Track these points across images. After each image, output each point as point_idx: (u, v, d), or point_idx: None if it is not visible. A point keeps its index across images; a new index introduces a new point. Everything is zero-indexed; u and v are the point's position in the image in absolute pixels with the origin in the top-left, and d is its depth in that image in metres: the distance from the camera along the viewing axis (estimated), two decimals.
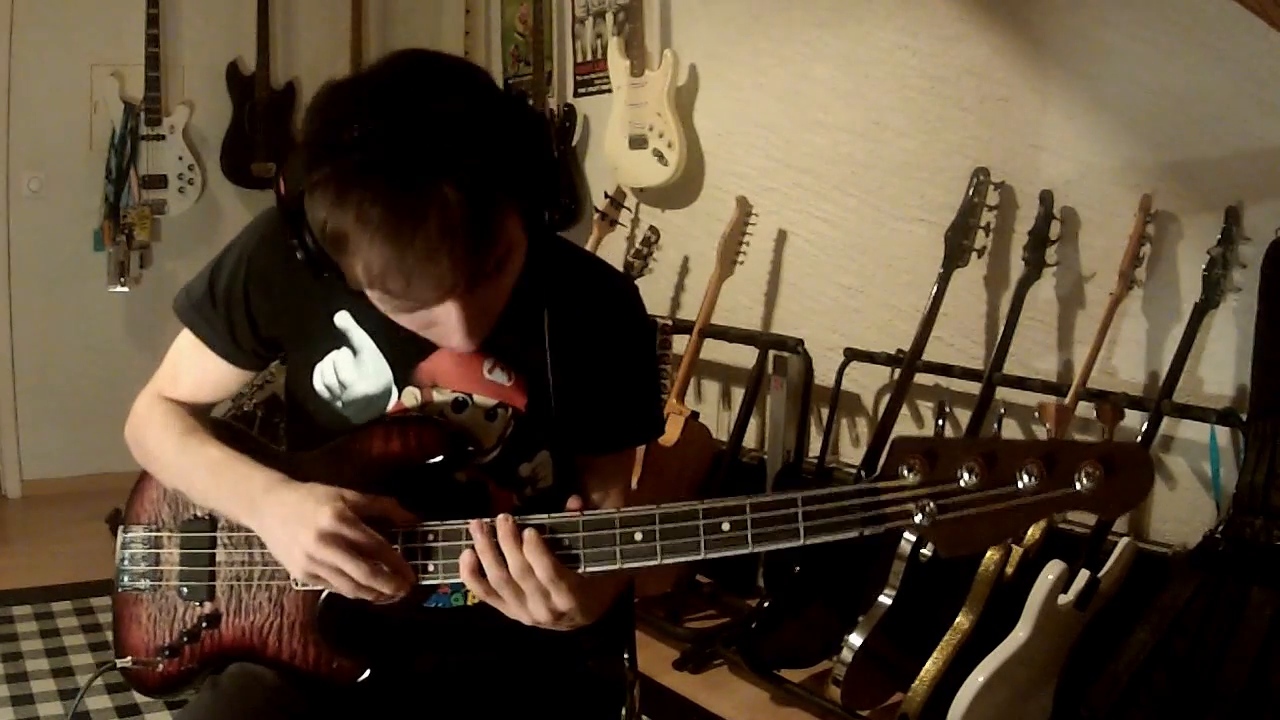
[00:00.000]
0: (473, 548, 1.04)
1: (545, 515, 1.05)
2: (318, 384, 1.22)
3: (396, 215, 0.94)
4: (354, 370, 1.21)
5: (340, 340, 1.21)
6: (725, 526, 0.98)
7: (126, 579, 1.26)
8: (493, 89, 1.04)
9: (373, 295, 1.04)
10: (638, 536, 1.01)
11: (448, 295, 1.01)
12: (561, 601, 1.03)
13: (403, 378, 1.20)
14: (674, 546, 1.00)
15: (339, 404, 1.22)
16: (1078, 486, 0.89)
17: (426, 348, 1.19)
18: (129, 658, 1.25)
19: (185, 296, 1.24)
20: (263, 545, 1.16)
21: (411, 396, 1.20)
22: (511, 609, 1.05)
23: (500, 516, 1.04)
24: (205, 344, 1.24)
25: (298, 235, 1.02)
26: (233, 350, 1.24)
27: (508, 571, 1.03)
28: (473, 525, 1.04)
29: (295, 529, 1.07)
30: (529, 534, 1.02)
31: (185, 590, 1.22)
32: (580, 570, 1.04)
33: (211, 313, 1.22)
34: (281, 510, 1.09)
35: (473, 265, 0.99)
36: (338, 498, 1.08)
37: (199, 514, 1.22)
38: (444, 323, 1.05)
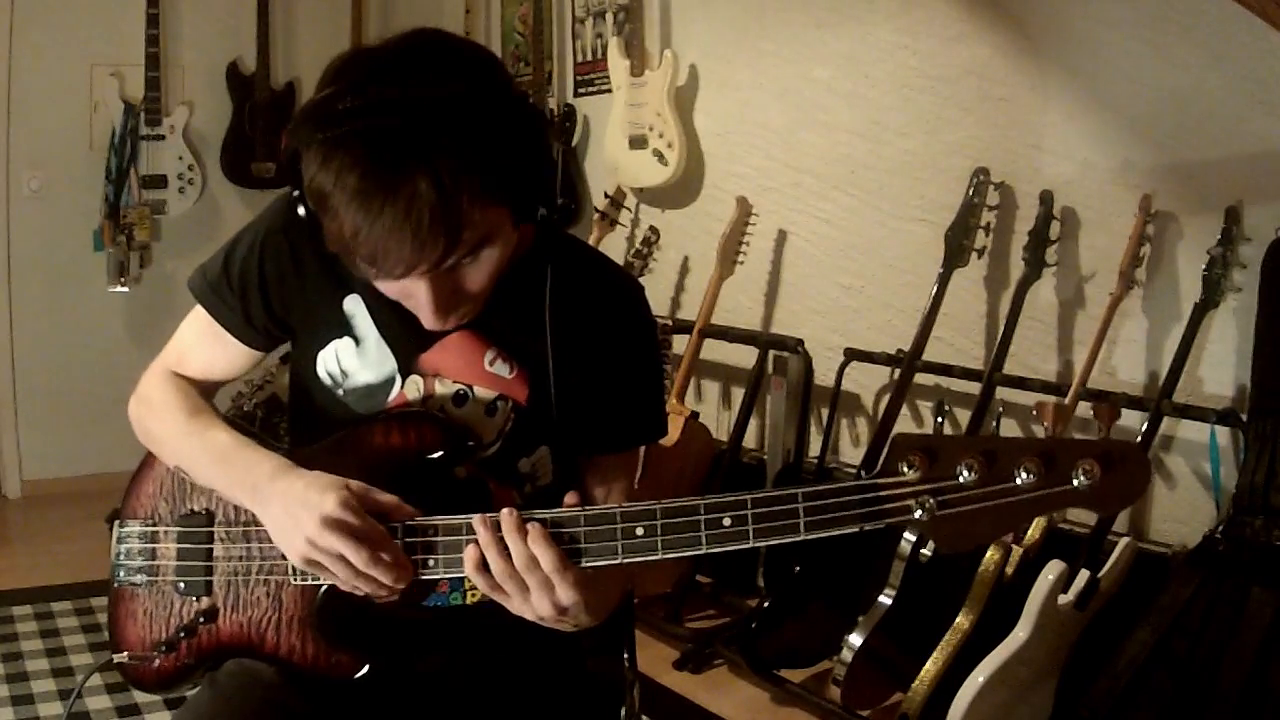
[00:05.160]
0: (475, 542, 1.04)
1: (546, 510, 1.05)
2: (320, 371, 1.23)
3: (369, 187, 0.96)
4: (356, 359, 1.21)
5: (344, 328, 1.21)
6: (726, 521, 0.98)
7: (123, 574, 1.26)
8: (494, 79, 1.05)
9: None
10: (639, 531, 1.01)
11: (409, 274, 1.02)
12: (565, 595, 1.03)
13: (406, 367, 1.21)
14: (675, 541, 1.00)
15: (340, 391, 1.22)
16: (1075, 484, 0.90)
17: (429, 339, 1.19)
18: (125, 653, 1.24)
19: (201, 276, 1.25)
20: (260, 540, 1.17)
21: (414, 386, 1.21)
22: (515, 604, 1.06)
23: (505, 510, 1.04)
24: (219, 323, 1.24)
25: (299, 189, 1.04)
26: (246, 330, 1.25)
27: (512, 565, 1.03)
28: (475, 520, 1.05)
29: (298, 513, 1.07)
30: (533, 526, 1.03)
31: (182, 585, 1.22)
32: (581, 564, 1.04)
33: (227, 292, 1.23)
34: (286, 495, 1.10)
35: (436, 253, 1.00)
36: (343, 486, 1.08)
37: (196, 509, 1.22)
38: (416, 296, 1.07)
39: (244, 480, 1.15)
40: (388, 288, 1.08)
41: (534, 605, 1.04)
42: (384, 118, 0.97)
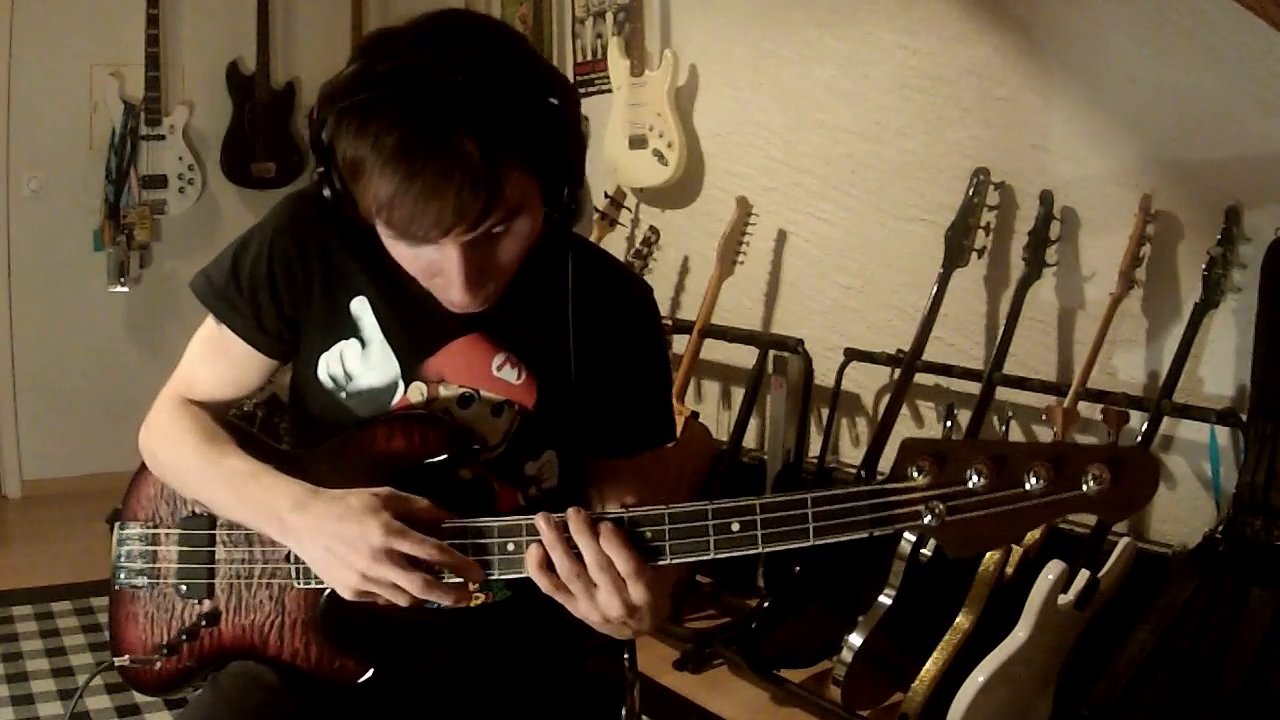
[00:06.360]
0: (535, 542, 1.02)
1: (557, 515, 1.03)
2: (322, 374, 1.21)
3: (409, 146, 0.96)
4: (361, 362, 1.20)
5: (351, 330, 1.20)
6: (735, 527, 0.97)
7: (124, 576, 1.25)
8: (528, 52, 1.05)
9: (382, 231, 1.05)
10: (647, 535, 1.00)
11: (447, 234, 1.00)
12: (637, 595, 1.00)
13: (410, 372, 1.19)
14: (683, 546, 0.99)
15: (343, 395, 1.21)
16: (1085, 489, 0.89)
17: (437, 343, 1.19)
18: (127, 656, 1.24)
19: (206, 281, 1.21)
20: (263, 543, 1.16)
21: (418, 391, 1.19)
22: (581, 606, 1.03)
23: (572, 510, 1.02)
24: (229, 328, 1.20)
25: (325, 165, 1.03)
26: (257, 334, 1.20)
27: (580, 565, 1.01)
28: (539, 520, 1.02)
29: (341, 549, 1.05)
30: (606, 526, 1.01)
31: (184, 588, 1.21)
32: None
33: (236, 296, 1.19)
34: (318, 528, 1.06)
35: (475, 210, 0.99)
36: (379, 508, 1.05)
37: (197, 511, 1.22)
38: (446, 270, 1.05)
39: (265, 513, 1.11)
40: (415, 262, 1.06)
41: (601, 606, 1.01)
42: (423, 79, 0.97)
